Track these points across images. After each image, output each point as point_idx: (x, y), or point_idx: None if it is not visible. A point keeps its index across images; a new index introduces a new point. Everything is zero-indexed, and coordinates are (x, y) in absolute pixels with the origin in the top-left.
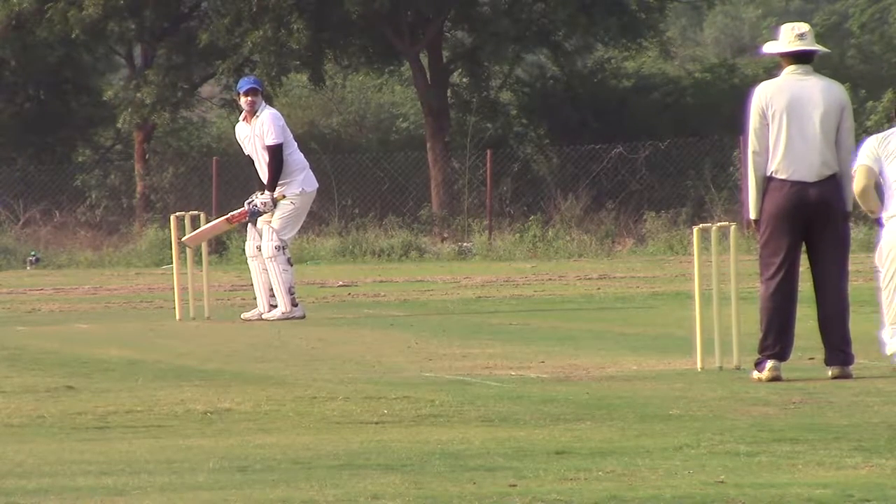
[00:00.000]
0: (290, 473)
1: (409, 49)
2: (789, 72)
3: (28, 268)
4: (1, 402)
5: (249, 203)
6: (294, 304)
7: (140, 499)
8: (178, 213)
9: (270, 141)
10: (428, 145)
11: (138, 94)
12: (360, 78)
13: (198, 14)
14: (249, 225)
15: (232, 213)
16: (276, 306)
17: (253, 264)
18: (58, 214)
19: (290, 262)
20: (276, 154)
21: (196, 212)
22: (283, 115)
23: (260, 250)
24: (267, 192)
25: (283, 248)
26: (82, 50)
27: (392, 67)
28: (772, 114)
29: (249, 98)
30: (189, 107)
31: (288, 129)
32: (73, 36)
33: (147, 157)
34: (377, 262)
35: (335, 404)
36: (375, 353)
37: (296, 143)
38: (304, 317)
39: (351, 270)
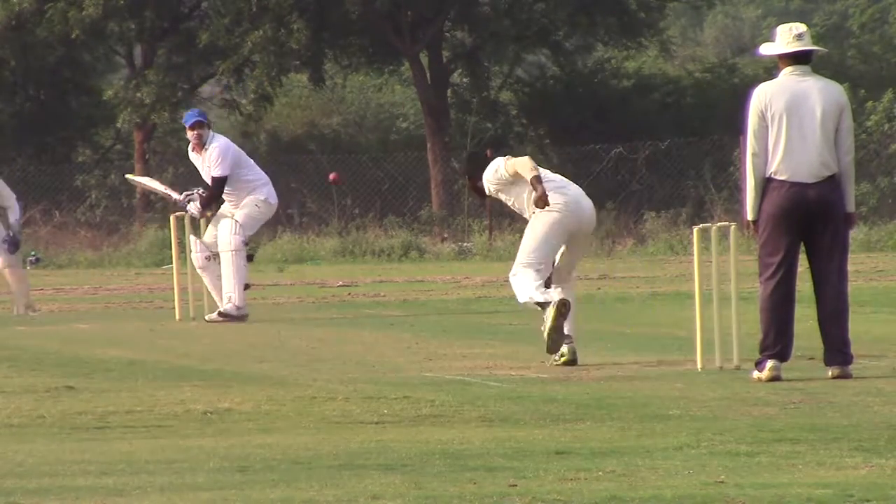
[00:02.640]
0: (290, 473)
1: (409, 49)
2: (788, 72)
3: (28, 268)
4: (1, 402)
5: (188, 196)
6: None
7: (140, 499)
8: (177, 213)
9: (217, 173)
10: (428, 145)
11: (138, 94)
12: (360, 78)
13: (198, 14)
14: (194, 238)
15: (172, 194)
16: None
17: (205, 276)
18: (58, 214)
19: (250, 259)
20: (218, 185)
21: None
22: (283, 115)
23: (209, 260)
24: (201, 205)
25: (246, 244)
26: (82, 50)
27: (392, 67)
28: (771, 115)
29: (196, 132)
30: (189, 107)
31: (242, 153)
32: (73, 36)
33: (147, 157)
34: (377, 262)
35: (335, 404)
36: (375, 353)
37: (252, 161)
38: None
39: (351, 270)
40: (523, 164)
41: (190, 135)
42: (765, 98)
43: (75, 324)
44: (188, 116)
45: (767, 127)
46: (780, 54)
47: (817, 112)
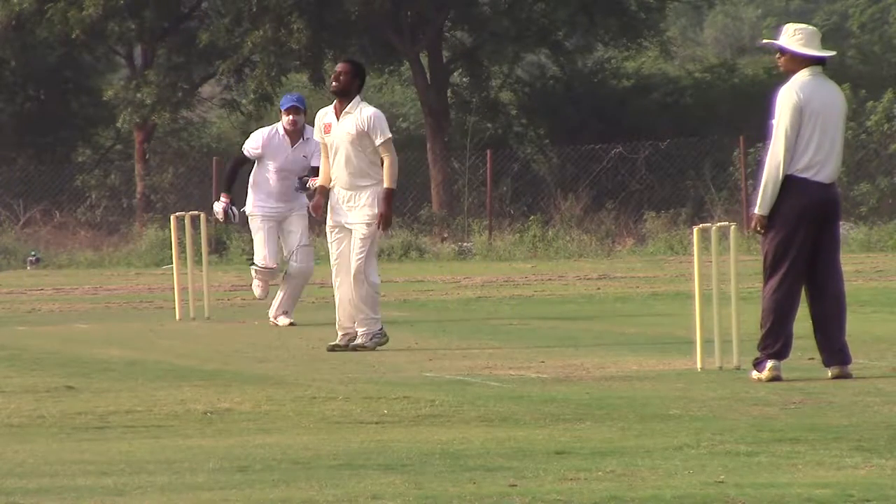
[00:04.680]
0: (290, 473)
1: (409, 49)
2: (808, 73)
3: (28, 268)
4: (1, 402)
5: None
6: None
7: (140, 499)
8: (178, 213)
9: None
10: (428, 145)
11: (138, 94)
12: None
13: (198, 14)
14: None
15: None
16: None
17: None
18: (58, 214)
19: None
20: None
21: (196, 212)
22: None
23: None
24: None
25: None
26: (82, 50)
27: (392, 67)
28: (808, 113)
29: (291, 117)
30: (189, 107)
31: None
32: (73, 36)
33: (147, 157)
34: (377, 262)
35: (335, 404)
36: (375, 353)
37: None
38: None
39: None
40: (393, 169)
41: (285, 120)
42: (803, 95)
43: (75, 324)
44: (286, 99)
45: (802, 125)
46: (805, 56)
47: (841, 114)
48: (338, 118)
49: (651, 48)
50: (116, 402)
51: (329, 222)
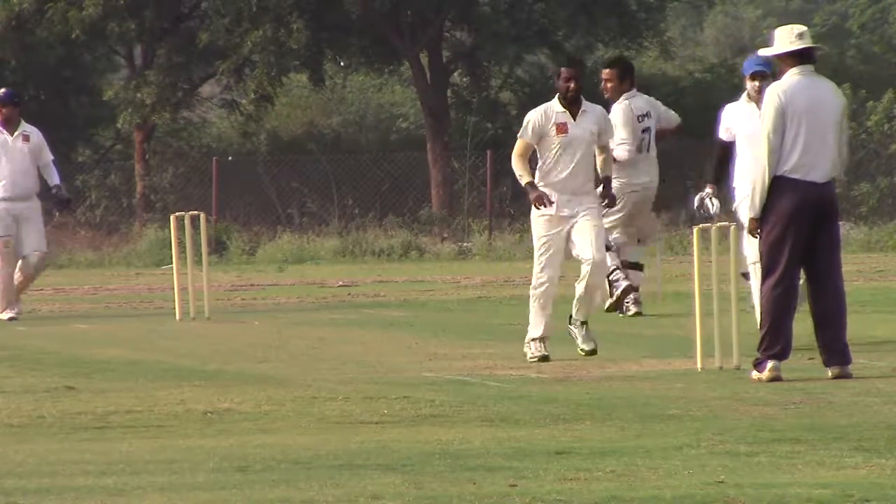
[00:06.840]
0: (290, 473)
1: (409, 49)
2: (797, 72)
3: None
4: (1, 402)
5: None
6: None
7: (140, 499)
8: (178, 213)
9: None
10: (428, 145)
11: (138, 94)
12: (360, 78)
13: (198, 14)
14: None
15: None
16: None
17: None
18: (57, 214)
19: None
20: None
21: (196, 212)
22: (283, 115)
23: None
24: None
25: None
26: (82, 50)
27: (392, 67)
28: (791, 114)
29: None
30: (189, 107)
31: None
32: (73, 36)
33: (147, 157)
34: (377, 262)
35: (335, 404)
36: (375, 353)
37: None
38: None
39: (351, 270)
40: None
41: (750, 86)
42: (784, 97)
43: (75, 324)
44: (749, 64)
45: (786, 126)
46: (785, 54)
47: (833, 113)
48: (574, 118)
49: (651, 48)
50: (116, 402)
51: (547, 230)
